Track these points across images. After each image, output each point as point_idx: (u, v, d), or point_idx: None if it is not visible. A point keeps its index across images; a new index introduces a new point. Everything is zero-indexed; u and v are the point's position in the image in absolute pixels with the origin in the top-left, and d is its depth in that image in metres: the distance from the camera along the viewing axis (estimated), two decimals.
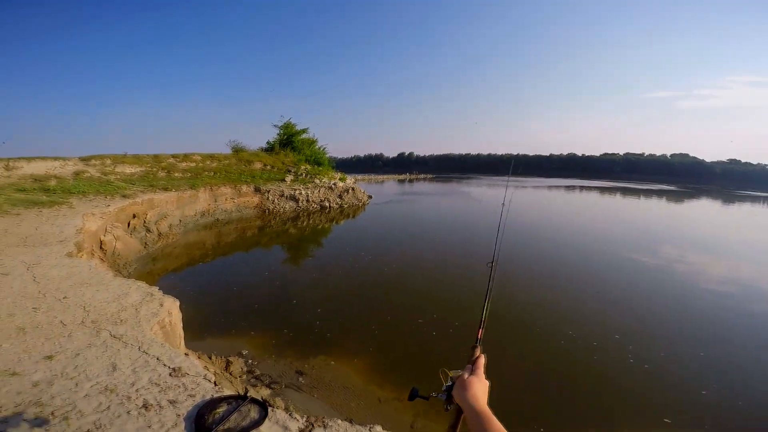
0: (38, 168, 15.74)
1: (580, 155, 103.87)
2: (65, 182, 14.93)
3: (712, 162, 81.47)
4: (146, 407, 2.83)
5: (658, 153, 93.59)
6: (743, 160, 77.92)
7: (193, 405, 3.06)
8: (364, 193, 31.88)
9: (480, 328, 1.41)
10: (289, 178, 27.22)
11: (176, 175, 21.56)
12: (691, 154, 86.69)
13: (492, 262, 1.91)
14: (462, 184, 60.65)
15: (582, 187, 57.66)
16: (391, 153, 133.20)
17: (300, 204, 25.31)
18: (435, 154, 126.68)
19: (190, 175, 22.19)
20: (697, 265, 14.24)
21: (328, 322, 8.78)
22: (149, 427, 2.62)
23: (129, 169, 19.69)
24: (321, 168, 31.88)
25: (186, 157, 24.51)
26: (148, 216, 14.82)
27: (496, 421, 0.95)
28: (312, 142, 34.36)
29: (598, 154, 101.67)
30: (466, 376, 1.14)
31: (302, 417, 3.29)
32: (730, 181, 69.82)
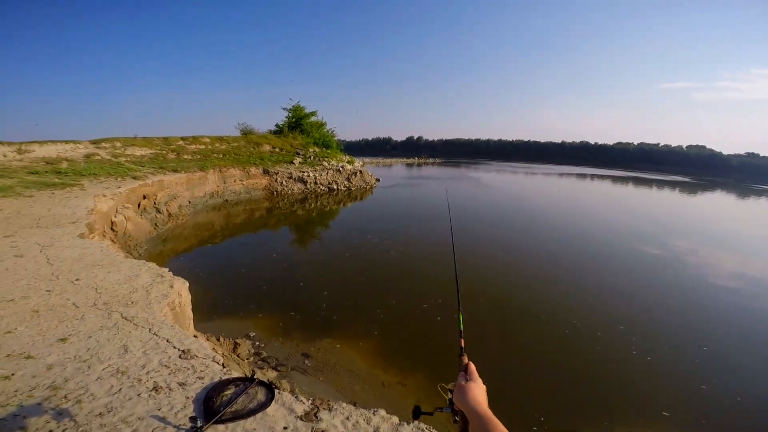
0: (50, 151, 15.97)
1: (593, 143, 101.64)
2: (76, 165, 15.14)
3: (729, 155, 79.16)
4: (156, 390, 2.91)
5: (674, 144, 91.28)
6: (762, 154, 75.60)
7: (202, 387, 3.14)
8: (371, 176, 31.89)
9: (461, 337, 1.44)
10: (297, 160, 27.29)
11: (186, 157, 21.76)
12: (708, 146, 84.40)
13: (456, 277, 1.95)
14: (471, 170, 59.96)
15: (593, 176, 56.63)
16: (399, 137, 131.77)
17: (308, 186, 25.43)
18: (444, 138, 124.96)
19: (199, 157, 22.38)
20: (707, 259, 14.01)
21: (334, 304, 8.89)
22: (159, 409, 2.69)
23: (139, 152, 19.91)
24: (329, 151, 31.92)
25: (195, 139, 24.72)
26: (158, 197, 15.00)
27: (499, 423, 0.96)
28: (321, 125, 34.38)
29: (611, 143, 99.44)
30: (463, 382, 1.17)
31: (308, 400, 3.36)
32: (746, 174, 67.86)
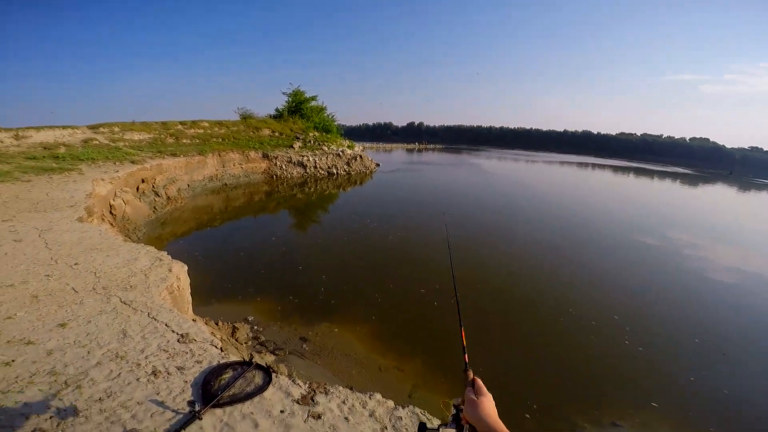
0: (47, 137, 15.87)
1: (596, 133, 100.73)
2: (74, 149, 15.05)
3: (732, 148, 78.71)
4: (155, 374, 2.94)
5: (678, 136, 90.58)
6: (766, 149, 75.04)
7: (200, 371, 3.18)
8: (371, 161, 31.79)
9: (464, 353, 1.45)
10: (297, 144, 27.09)
11: (184, 141, 21.64)
12: (712, 139, 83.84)
13: (455, 295, 1.94)
14: (472, 156, 59.61)
15: (594, 165, 56.33)
16: (400, 122, 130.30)
17: (308, 170, 25.33)
18: (446, 124, 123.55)
19: (198, 141, 22.27)
20: (705, 252, 14.06)
21: (332, 288, 8.95)
22: (158, 394, 2.73)
23: (137, 136, 19.80)
24: (329, 135, 31.72)
25: (194, 123, 24.53)
26: (156, 180, 14.94)
27: None
28: (321, 110, 34.14)
29: (614, 133, 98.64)
30: (472, 396, 1.16)
31: (305, 383, 3.41)
32: (749, 167, 67.63)
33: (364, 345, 6.83)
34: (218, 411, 2.70)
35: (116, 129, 19.62)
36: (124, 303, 4.06)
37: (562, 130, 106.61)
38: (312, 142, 28.48)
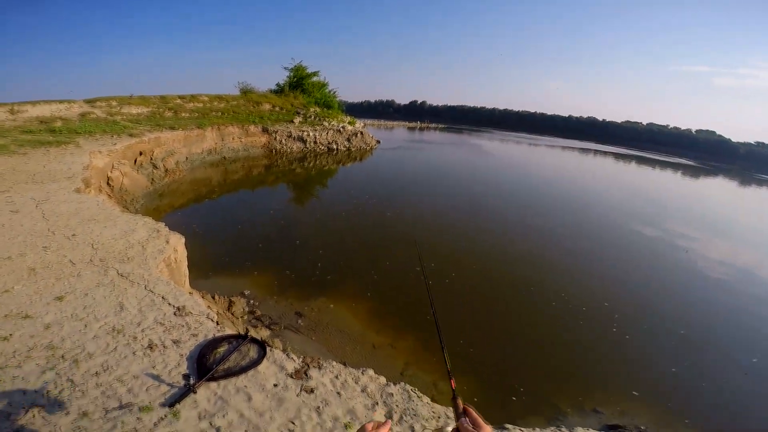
0: (43, 111, 15.59)
1: (601, 120, 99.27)
2: (71, 123, 14.83)
3: (737, 142, 77.83)
4: (151, 347, 2.99)
5: (684, 127, 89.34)
6: None
7: (196, 344, 3.23)
8: (372, 137, 31.55)
9: (450, 378, 1.31)
10: (297, 119, 26.75)
11: (183, 115, 21.38)
12: (718, 132, 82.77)
13: (432, 310, 1.76)
14: (473, 137, 58.92)
15: (596, 151, 55.82)
16: (403, 100, 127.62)
17: (307, 145, 25.10)
18: (449, 104, 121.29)
19: (197, 115, 22.02)
20: (700, 245, 14.16)
21: (329, 264, 9.01)
22: (153, 367, 2.78)
23: (135, 110, 19.56)
24: (330, 111, 31.43)
25: (193, 97, 24.18)
26: (154, 153, 14.80)
27: None
28: (322, 85, 33.69)
29: (620, 121, 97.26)
30: (470, 428, 1.01)
31: (298, 358, 3.48)
32: (752, 162, 67.05)
33: (359, 322, 6.92)
34: (213, 384, 2.77)
35: (114, 103, 19.35)
36: (122, 275, 4.08)
37: (567, 115, 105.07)
38: (313, 117, 28.16)
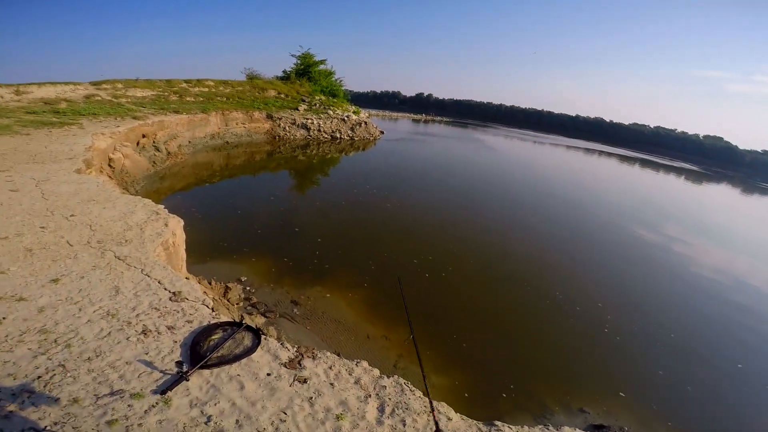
0: (48, 92, 15.49)
1: (608, 121, 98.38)
2: (76, 105, 14.75)
3: (744, 150, 77.18)
4: (145, 333, 2.98)
5: (691, 132, 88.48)
6: None
7: (191, 331, 3.22)
8: (376, 128, 31.45)
9: (432, 411, 1.25)
10: (302, 107, 26.66)
11: (188, 99, 21.32)
12: (727, 139, 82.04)
13: (413, 340, 1.68)
14: (478, 132, 58.53)
15: (601, 152, 55.47)
16: (409, 92, 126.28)
17: (311, 133, 25.01)
18: (455, 98, 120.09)
19: (202, 99, 21.94)
20: (696, 250, 14.14)
21: (327, 253, 9.01)
22: (146, 353, 2.77)
23: (140, 93, 19.49)
24: (336, 100, 31.35)
25: (199, 82, 24.15)
26: (157, 136, 14.76)
27: None
28: (329, 74, 33.54)
29: (627, 123, 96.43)
30: None
31: (293, 347, 3.48)
32: (757, 170, 66.55)
33: (354, 312, 6.94)
34: (206, 372, 2.76)
35: (119, 86, 19.29)
36: (119, 258, 4.05)
37: (574, 114, 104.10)
38: (318, 105, 28.03)
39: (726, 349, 7.71)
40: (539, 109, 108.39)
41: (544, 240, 12.14)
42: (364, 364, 3.54)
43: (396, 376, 3.57)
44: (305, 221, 10.90)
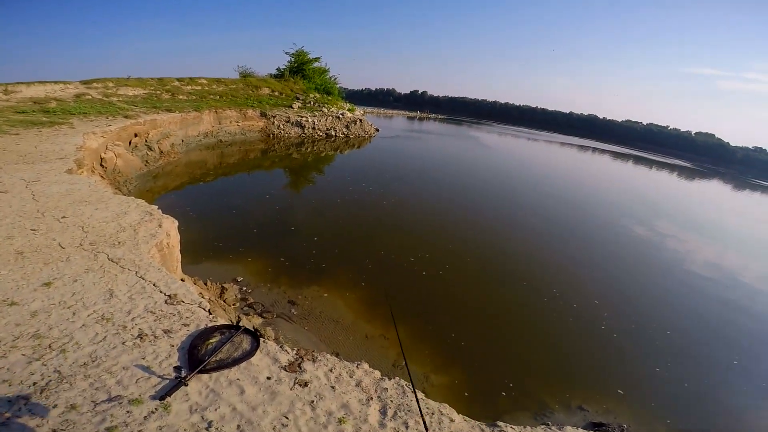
0: (38, 91, 15.22)
1: (602, 118, 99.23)
2: (66, 104, 14.50)
3: (735, 146, 78.27)
4: (141, 337, 2.91)
5: (683, 129, 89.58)
6: None
7: (188, 335, 3.16)
8: (371, 125, 31.37)
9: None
10: (296, 105, 26.50)
11: (181, 97, 21.14)
12: (718, 136, 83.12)
13: (405, 363, 1.61)
14: (473, 129, 58.67)
15: (595, 149, 55.90)
16: (403, 89, 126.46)
17: (306, 131, 24.87)
18: (449, 95, 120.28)
19: (195, 98, 21.76)
20: (690, 247, 14.28)
21: (324, 251, 8.95)
22: (143, 358, 2.70)
23: (132, 92, 19.26)
24: (330, 97, 31.22)
25: (191, 80, 23.95)
26: (150, 135, 14.56)
27: None
28: (323, 71, 33.44)
29: (620, 120, 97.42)
30: None
31: (292, 350, 3.43)
32: (748, 167, 67.55)
33: (352, 311, 6.89)
34: (204, 377, 2.71)
35: (110, 84, 19.03)
36: (112, 260, 3.96)
37: (568, 111, 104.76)
38: (312, 103, 27.90)
39: (722, 345, 7.78)
40: (533, 106, 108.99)
41: (540, 238, 12.18)
42: (365, 365, 3.50)
43: (397, 378, 3.54)
44: (301, 220, 10.83)
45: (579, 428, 4.29)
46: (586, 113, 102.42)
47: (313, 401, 2.79)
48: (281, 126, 23.93)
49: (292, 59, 32.11)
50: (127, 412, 2.26)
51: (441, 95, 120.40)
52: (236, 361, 3.03)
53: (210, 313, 3.62)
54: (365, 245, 9.68)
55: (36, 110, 12.78)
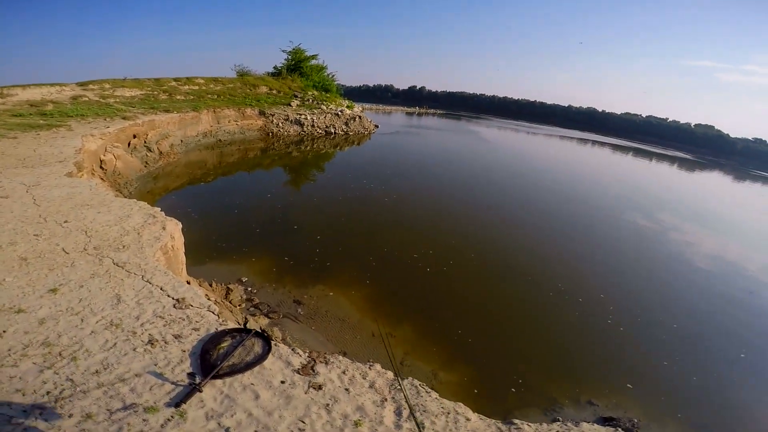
0: (34, 94, 15.13)
1: (601, 111, 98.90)
2: (63, 107, 14.40)
3: (735, 138, 78.05)
4: (152, 343, 2.86)
5: (683, 121, 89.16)
6: None
7: (198, 340, 3.11)
8: (370, 122, 31.24)
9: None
10: (295, 102, 26.36)
11: (178, 98, 21.03)
12: (718, 127, 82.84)
13: (399, 380, 1.57)
14: (471, 123, 58.51)
15: (594, 142, 55.74)
16: (401, 85, 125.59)
17: (305, 129, 24.77)
18: (448, 90, 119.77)
19: (192, 98, 21.63)
20: (694, 239, 14.22)
21: (327, 250, 8.92)
22: (155, 364, 2.65)
23: (129, 93, 19.15)
24: (328, 95, 31.02)
25: (189, 80, 23.79)
26: (148, 136, 14.50)
27: None
28: (321, 69, 33.19)
29: (619, 112, 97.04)
30: None
31: (304, 352, 3.39)
32: (749, 158, 67.38)
33: (358, 310, 6.87)
34: (218, 382, 2.66)
35: (107, 86, 18.93)
36: (117, 265, 3.90)
37: (566, 105, 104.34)
38: (310, 100, 27.76)
39: (728, 339, 7.75)
40: (532, 100, 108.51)
41: (542, 232, 12.15)
42: (377, 366, 3.46)
43: (411, 378, 3.50)
44: (303, 218, 10.79)
45: (596, 425, 4.27)
46: (585, 106, 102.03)
47: (328, 404, 2.75)
48: (280, 124, 23.81)
49: (290, 57, 31.91)
50: (144, 420, 2.22)
51: (439, 90, 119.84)
52: (249, 366, 2.99)
53: (219, 317, 3.57)
54: (368, 242, 9.65)
55: (33, 113, 12.70)
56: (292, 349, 3.40)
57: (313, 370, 3.15)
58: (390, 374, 3.44)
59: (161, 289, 3.66)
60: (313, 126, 25.35)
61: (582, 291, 8.51)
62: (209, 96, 22.63)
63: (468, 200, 14.73)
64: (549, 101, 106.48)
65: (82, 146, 9.40)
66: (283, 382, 2.88)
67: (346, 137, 26.33)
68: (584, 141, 54.98)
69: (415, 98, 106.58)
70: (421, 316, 6.95)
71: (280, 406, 2.60)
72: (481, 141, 36.35)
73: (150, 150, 14.15)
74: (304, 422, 2.52)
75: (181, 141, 17.06)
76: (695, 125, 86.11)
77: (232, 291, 6.62)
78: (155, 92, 20.51)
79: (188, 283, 4.85)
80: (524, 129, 61.00)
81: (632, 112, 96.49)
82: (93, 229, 4.72)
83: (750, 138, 76.98)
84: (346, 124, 27.88)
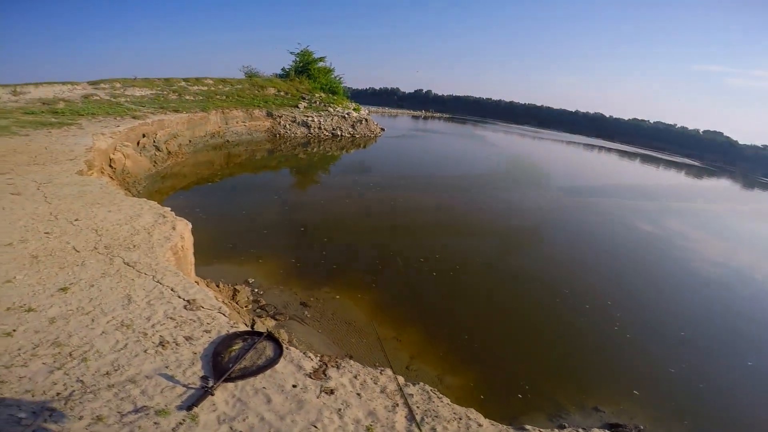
0: (46, 92, 15.36)
1: (608, 116, 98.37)
2: (74, 105, 14.61)
3: (744, 144, 77.18)
4: (163, 345, 2.84)
5: (691, 127, 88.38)
6: None
7: (209, 341, 3.09)
8: (377, 125, 31.31)
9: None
10: (302, 104, 26.52)
11: (187, 98, 21.27)
12: (726, 133, 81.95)
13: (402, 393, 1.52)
14: (478, 128, 58.45)
15: (601, 148, 55.45)
16: (408, 89, 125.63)
17: (312, 131, 24.89)
18: (454, 94, 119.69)
19: (201, 98, 21.86)
20: (703, 246, 14.01)
21: (334, 252, 8.91)
22: (167, 367, 2.63)
23: (139, 92, 19.39)
24: (336, 97, 31.16)
25: (198, 80, 24.08)
26: (157, 135, 14.66)
27: None
28: (328, 71, 33.28)
29: (626, 118, 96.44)
30: None
31: (316, 356, 3.37)
32: (758, 165, 66.48)
33: (365, 313, 6.83)
34: (230, 385, 2.64)
35: (118, 85, 19.20)
36: (128, 264, 3.90)
37: (574, 110, 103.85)
38: (318, 103, 27.92)
39: (735, 346, 7.65)
40: (538, 104, 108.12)
41: (549, 236, 12.06)
42: (389, 371, 3.43)
43: (422, 384, 3.46)
44: (310, 220, 10.81)
45: (600, 429, 4.20)
46: (592, 111, 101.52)
47: (340, 409, 2.72)
48: (287, 126, 23.97)
49: (297, 59, 32.13)
50: (155, 423, 2.19)
51: (445, 94, 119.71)
52: (260, 369, 2.96)
53: (230, 319, 3.55)
54: (375, 245, 9.64)
55: (45, 111, 12.87)
56: (304, 353, 3.37)
57: (325, 375, 3.12)
58: (401, 379, 3.40)
59: (172, 289, 3.65)
60: (320, 128, 25.47)
61: (589, 297, 8.41)
62: (218, 97, 22.86)
63: (474, 205, 14.67)
64: (556, 106, 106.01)
65: (93, 145, 9.50)
66: (295, 386, 2.85)
67: (352, 140, 26.41)
68: (591, 147, 54.71)
69: (422, 101, 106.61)
70: (427, 320, 6.91)
71: (293, 411, 2.57)
72: (488, 145, 36.29)
73: (159, 149, 14.28)
74: (316, 427, 2.48)
75: (190, 141, 17.20)
76: (704, 131, 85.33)
77: (239, 292, 6.61)
78: (165, 92, 20.75)
79: (196, 283, 4.85)
80: (530, 134, 60.86)
81: (640, 118, 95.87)
82: (103, 227, 4.73)
83: (759, 145, 76.12)
84: (353, 126, 27.98)
